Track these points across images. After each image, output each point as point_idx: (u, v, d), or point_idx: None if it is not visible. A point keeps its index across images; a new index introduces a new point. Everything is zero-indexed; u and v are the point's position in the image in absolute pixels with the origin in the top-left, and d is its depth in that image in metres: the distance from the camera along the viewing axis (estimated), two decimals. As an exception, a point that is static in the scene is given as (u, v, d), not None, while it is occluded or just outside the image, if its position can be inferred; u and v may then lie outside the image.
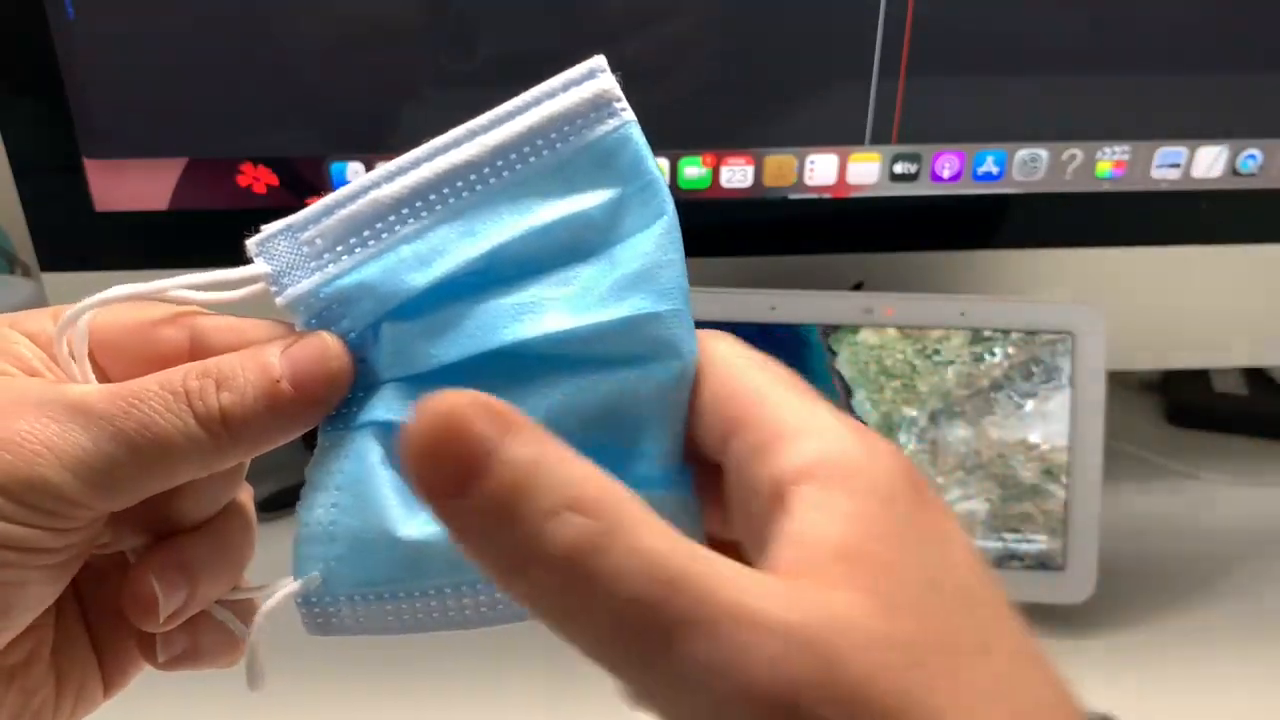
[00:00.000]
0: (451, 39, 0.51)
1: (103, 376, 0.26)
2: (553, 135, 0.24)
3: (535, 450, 0.18)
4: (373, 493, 0.24)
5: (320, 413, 0.25)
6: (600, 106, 0.24)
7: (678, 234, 0.24)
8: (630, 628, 0.18)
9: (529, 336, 0.23)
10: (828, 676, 0.18)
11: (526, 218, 0.24)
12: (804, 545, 0.19)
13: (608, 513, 0.18)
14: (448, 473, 0.18)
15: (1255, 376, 0.73)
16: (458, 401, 0.18)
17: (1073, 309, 0.53)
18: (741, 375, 0.23)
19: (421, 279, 0.24)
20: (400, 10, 0.51)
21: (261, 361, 0.24)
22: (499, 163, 0.24)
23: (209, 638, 0.27)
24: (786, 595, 0.18)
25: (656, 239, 0.24)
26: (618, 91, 0.24)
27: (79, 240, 0.55)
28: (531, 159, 0.24)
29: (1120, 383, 0.72)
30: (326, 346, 0.24)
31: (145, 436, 0.23)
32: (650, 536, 0.18)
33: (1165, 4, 0.52)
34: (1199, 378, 0.73)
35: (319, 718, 0.50)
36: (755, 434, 0.21)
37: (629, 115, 0.24)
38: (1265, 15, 0.53)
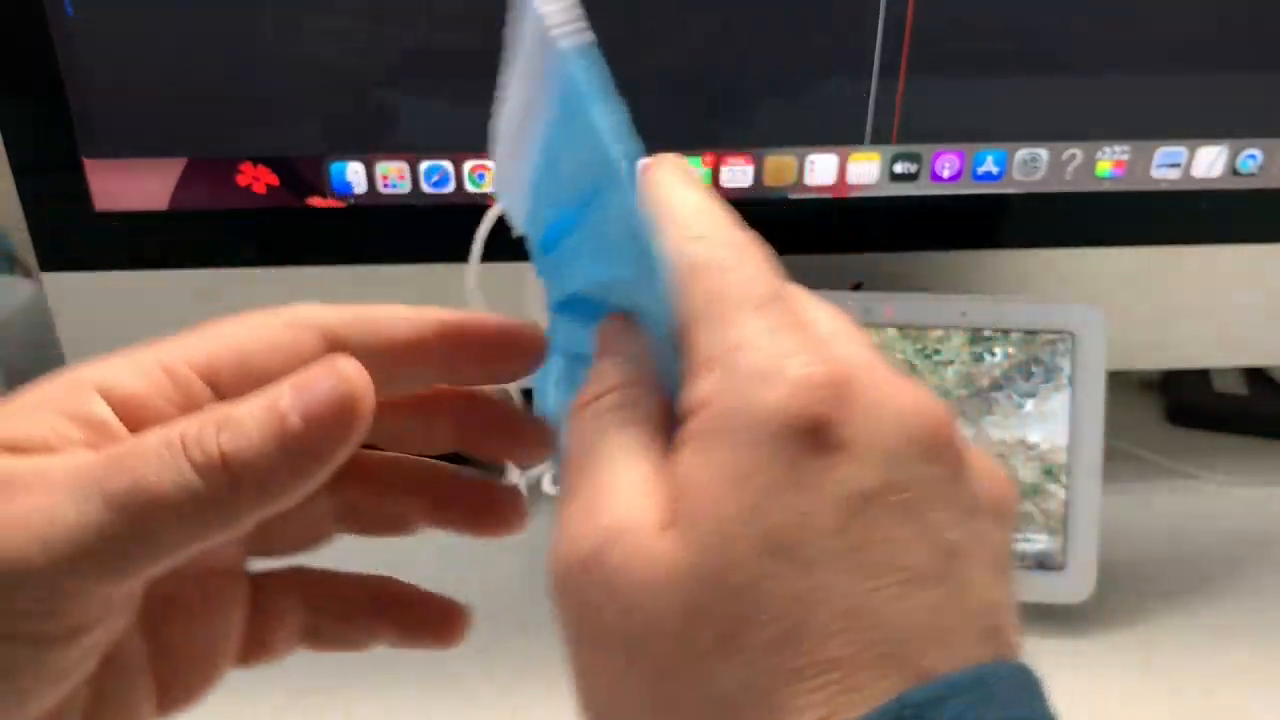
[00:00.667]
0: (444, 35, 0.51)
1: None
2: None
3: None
4: None
5: (340, 449, 0.21)
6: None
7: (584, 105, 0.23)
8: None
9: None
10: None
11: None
12: (685, 492, 0.20)
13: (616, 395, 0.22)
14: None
15: (1255, 376, 0.73)
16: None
17: (1073, 309, 0.53)
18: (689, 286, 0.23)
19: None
20: (400, 9, 0.51)
21: (268, 398, 0.21)
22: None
23: None
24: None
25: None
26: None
27: (79, 240, 0.55)
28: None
29: (1120, 383, 0.72)
30: (340, 372, 0.21)
31: (134, 495, 0.20)
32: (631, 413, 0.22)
33: (1165, 4, 0.52)
34: (1199, 378, 0.73)
35: (320, 717, 0.50)
36: (688, 361, 0.22)
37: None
38: (1265, 15, 0.53)
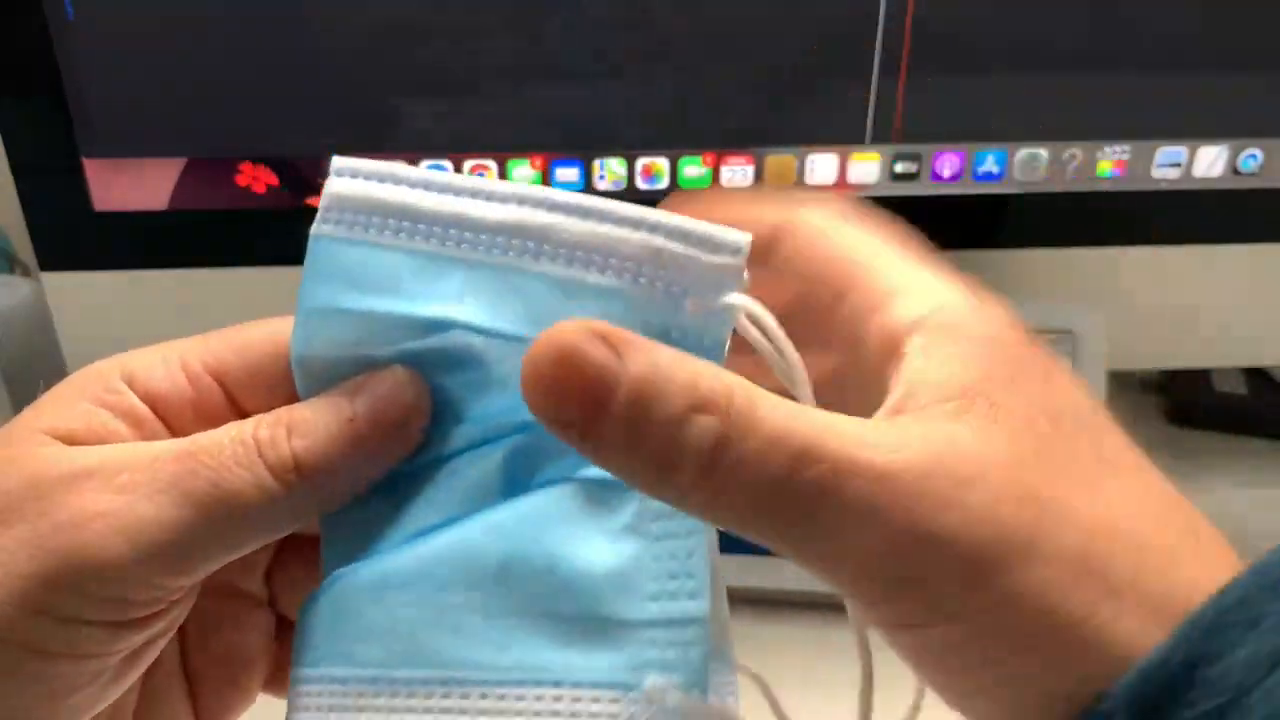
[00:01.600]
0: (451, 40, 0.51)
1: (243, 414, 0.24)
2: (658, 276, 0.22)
3: (649, 361, 0.19)
4: None
5: (400, 449, 0.23)
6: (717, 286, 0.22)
7: None
8: (770, 507, 0.19)
9: None
10: (956, 503, 0.19)
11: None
12: (918, 388, 0.20)
13: (729, 405, 0.19)
14: (576, 405, 0.18)
15: (1256, 376, 0.73)
16: (567, 333, 0.19)
17: (1073, 309, 0.53)
18: (848, 241, 0.23)
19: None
20: (401, 8, 0.51)
21: (333, 401, 0.22)
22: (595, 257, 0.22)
23: None
24: (902, 438, 0.19)
25: None
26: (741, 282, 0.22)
27: (78, 240, 0.55)
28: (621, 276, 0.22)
29: (1120, 383, 0.72)
30: (399, 378, 0.23)
31: (215, 496, 0.21)
32: (772, 416, 0.19)
33: (1166, 4, 0.52)
34: (1199, 377, 0.73)
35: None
36: (865, 294, 0.22)
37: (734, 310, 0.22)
38: (1266, 15, 0.53)
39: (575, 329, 0.19)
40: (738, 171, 0.55)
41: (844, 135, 0.54)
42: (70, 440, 0.22)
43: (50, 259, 0.55)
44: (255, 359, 0.24)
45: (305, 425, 0.22)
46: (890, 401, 0.20)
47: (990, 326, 0.21)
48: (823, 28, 0.52)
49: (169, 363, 0.23)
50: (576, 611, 0.21)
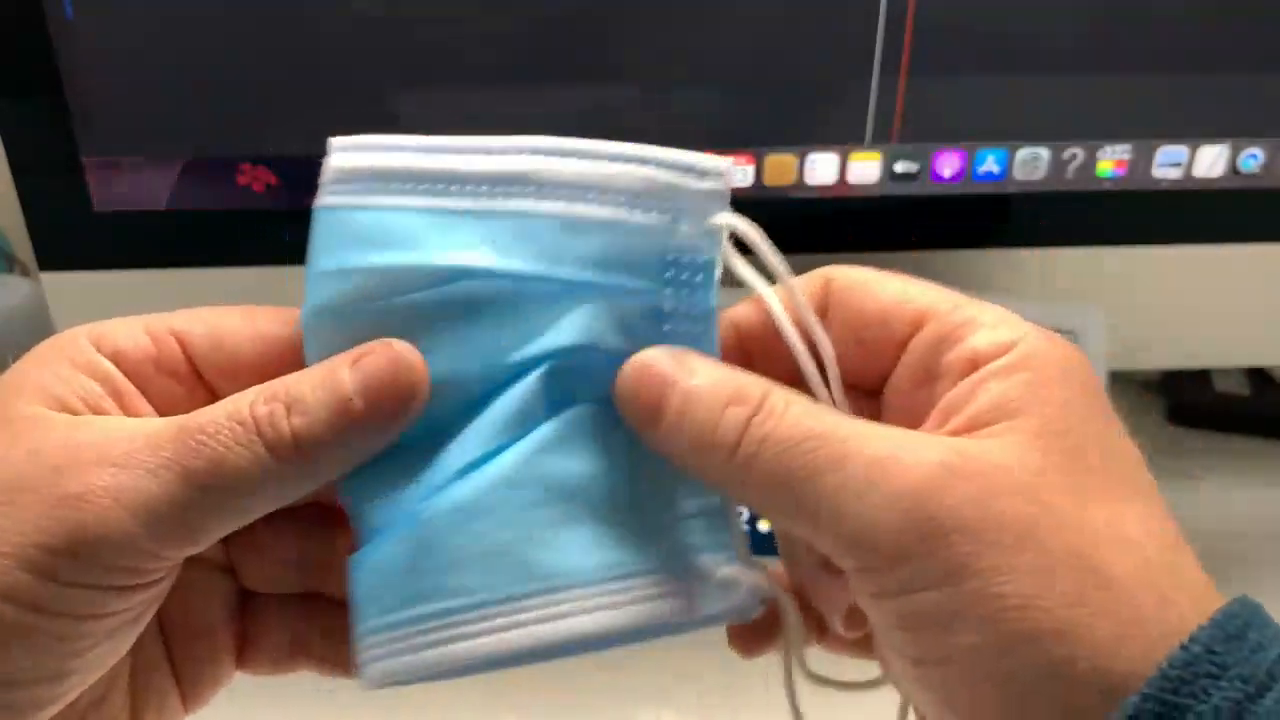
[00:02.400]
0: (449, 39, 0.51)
1: (210, 394, 0.25)
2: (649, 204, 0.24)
3: (694, 368, 0.23)
4: None
5: (398, 427, 0.23)
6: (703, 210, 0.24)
7: None
8: (787, 480, 0.22)
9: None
10: (957, 490, 0.20)
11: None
12: (980, 406, 0.22)
13: (764, 401, 0.22)
14: (643, 409, 0.23)
15: (1256, 376, 0.73)
16: (649, 352, 0.24)
17: (1073, 309, 0.53)
18: (913, 285, 0.25)
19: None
20: (401, 8, 0.51)
21: (332, 379, 0.23)
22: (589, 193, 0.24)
23: None
24: (923, 439, 0.22)
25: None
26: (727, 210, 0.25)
27: (78, 240, 0.55)
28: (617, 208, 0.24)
29: (1120, 383, 0.72)
30: (399, 357, 0.23)
31: (216, 475, 0.22)
32: (799, 411, 0.22)
33: (1166, 4, 0.52)
34: (1200, 377, 0.73)
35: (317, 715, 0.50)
36: (941, 325, 0.24)
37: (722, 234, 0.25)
38: (1265, 15, 0.53)
39: (659, 349, 0.24)
40: (738, 171, 0.55)
41: (844, 135, 0.54)
42: (57, 408, 0.23)
43: (50, 259, 0.55)
44: (216, 321, 0.25)
45: (303, 403, 0.22)
46: (955, 417, 0.23)
47: (1061, 362, 0.23)
48: (823, 27, 0.52)
49: (132, 324, 0.24)
50: (639, 510, 0.24)
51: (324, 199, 0.25)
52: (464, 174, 0.24)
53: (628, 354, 0.24)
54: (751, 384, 0.23)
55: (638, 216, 0.24)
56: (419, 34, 0.51)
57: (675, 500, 0.24)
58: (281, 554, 0.27)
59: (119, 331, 0.24)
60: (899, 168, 0.55)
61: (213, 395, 0.24)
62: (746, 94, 0.53)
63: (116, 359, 0.24)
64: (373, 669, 0.24)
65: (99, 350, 0.24)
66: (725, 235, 0.24)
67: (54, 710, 0.22)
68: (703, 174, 0.24)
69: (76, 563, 0.21)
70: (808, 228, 0.56)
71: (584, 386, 0.24)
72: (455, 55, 0.51)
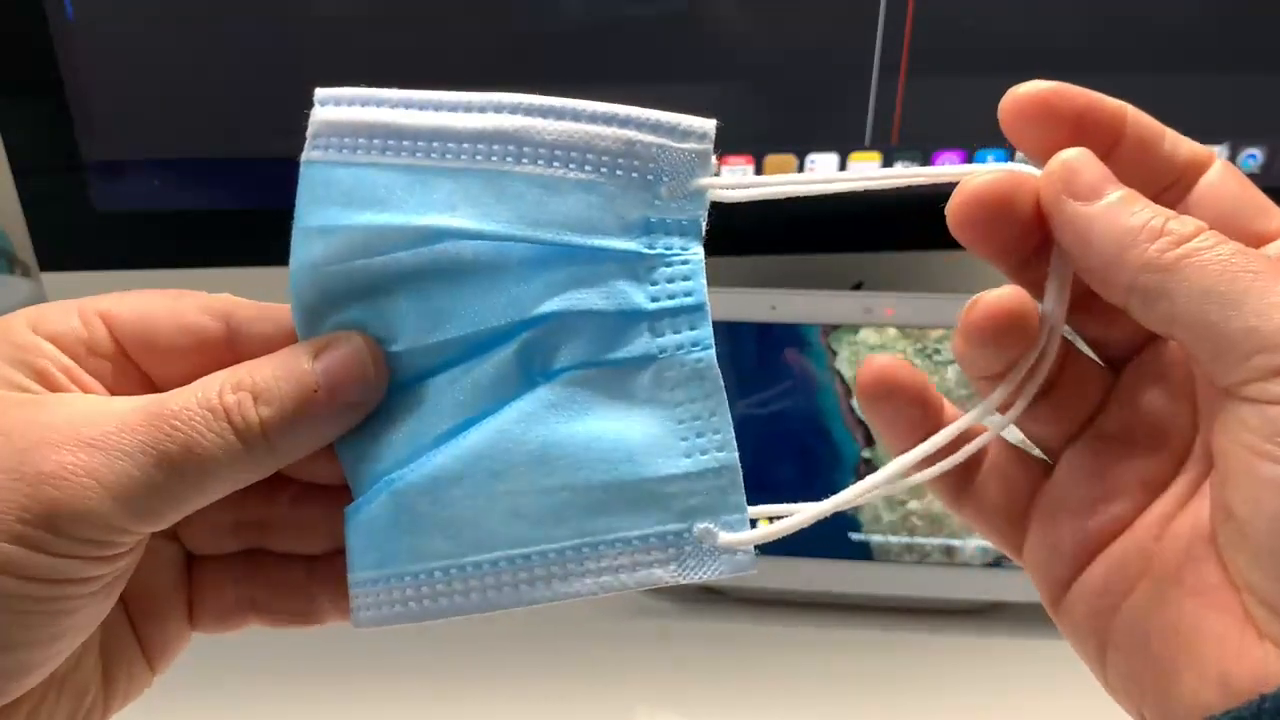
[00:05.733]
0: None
1: (139, 373, 0.26)
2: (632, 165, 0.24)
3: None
4: None
5: (358, 416, 0.25)
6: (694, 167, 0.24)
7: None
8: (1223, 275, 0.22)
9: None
10: None
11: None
12: None
13: (1198, 230, 0.22)
14: (1084, 184, 0.24)
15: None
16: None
17: (1073, 309, 0.53)
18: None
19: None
20: (402, 8, 0.51)
21: (297, 371, 0.24)
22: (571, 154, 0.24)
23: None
24: None
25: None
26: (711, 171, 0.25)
27: (79, 240, 0.55)
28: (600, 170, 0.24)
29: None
30: (360, 350, 0.24)
31: (188, 459, 0.23)
32: (1228, 244, 0.22)
33: (1165, 4, 0.52)
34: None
35: (315, 714, 0.50)
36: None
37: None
38: (1265, 15, 0.53)
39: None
40: (738, 171, 0.55)
41: (844, 136, 0.54)
42: (8, 388, 0.24)
43: (50, 259, 0.55)
44: (143, 308, 0.25)
45: (271, 394, 0.24)
46: None
47: None
48: (823, 28, 0.52)
49: (65, 308, 0.25)
50: (619, 478, 0.24)
51: (309, 153, 0.25)
52: (447, 131, 0.24)
53: (610, 316, 0.24)
54: (1186, 221, 0.23)
55: (619, 178, 0.24)
56: (421, 37, 0.51)
57: (657, 467, 0.24)
58: (222, 518, 0.28)
59: (53, 315, 0.25)
60: (899, 168, 0.55)
61: (141, 375, 0.26)
62: (746, 95, 0.53)
63: (53, 341, 0.25)
64: (362, 615, 0.25)
65: (36, 333, 0.25)
66: (708, 196, 0.24)
67: (41, 675, 0.23)
68: (685, 134, 0.24)
69: (58, 536, 0.22)
70: (807, 228, 0.56)
71: (566, 349, 0.24)
72: (453, 57, 0.51)
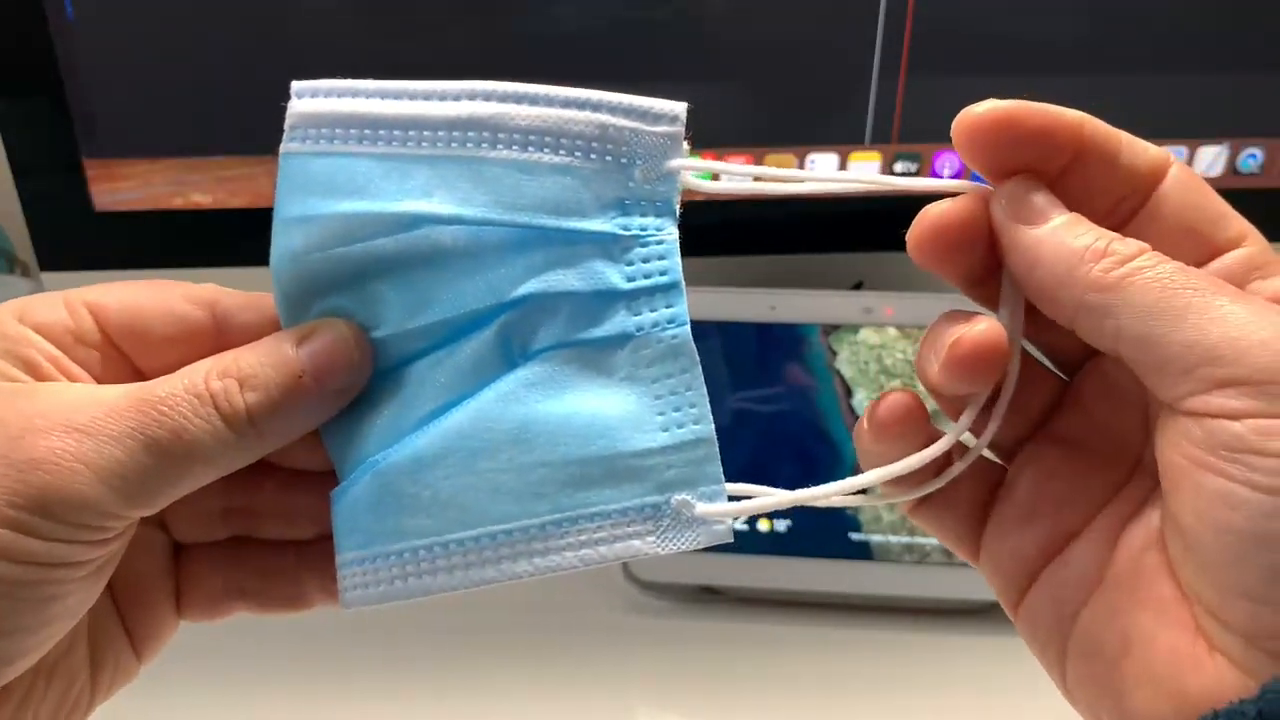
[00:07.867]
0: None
1: (126, 362, 0.26)
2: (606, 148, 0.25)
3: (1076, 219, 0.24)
4: None
5: (343, 401, 0.25)
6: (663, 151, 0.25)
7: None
8: (1165, 292, 0.22)
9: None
10: None
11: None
12: None
13: (1139, 251, 0.23)
14: (1031, 208, 0.25)
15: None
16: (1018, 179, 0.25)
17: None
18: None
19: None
20: (403, 13, 0.51)
21: (282, 357, 0.25)
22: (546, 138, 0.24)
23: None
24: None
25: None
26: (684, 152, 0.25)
27: (79, 240, 0.55)
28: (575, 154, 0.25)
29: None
30: (344, 335, 0.25)
31: (177, 444, 0.23)
32: (1172, 264, 0.23)
33: (1165, 4, 0.52)
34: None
35: (316, 713, 0.50)
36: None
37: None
38: (1265, 15, 0.53)
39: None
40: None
41: (844, 135, 0.54)
42: (1, 378, 0.24)
43: (50, 259, 0.55)
44: (129, 298, 0.26)
45: (257, 380, 0.24)
46: None
47: None
48: (823, 28, 0.52)
49: (51, 299, 0.26)
50: (597, 453, 0.24)
51: (286, 145, 0.25)
52: (422, 119, 0.24)
53: (588, 296, 0.24)
54: (1128, 243, 0.23)
55: (593, 161, 0.24)
56: (419, 37, 0.51)
57: (635, 441, 0.24)
58: (209, 505, 0.28)
59: (40, 306, 0.25)
60: (899, 167, 0.55)
61: (128, 364, 0.26)
62: (746, 94, 0.53)
63: (41, 331, 0.25)
64: (349, 595, 0.25)
65: (23, 324, 0.25)
66: (680, 179, 0.25)
67: (30, 661, 0.24)
68: (657, 118, 0.25)
69: (48, 521, 0.22)
70: (807, 228, 0.57)
71: (545, 330, 0.25)
72: (451, 57, 0.51)
